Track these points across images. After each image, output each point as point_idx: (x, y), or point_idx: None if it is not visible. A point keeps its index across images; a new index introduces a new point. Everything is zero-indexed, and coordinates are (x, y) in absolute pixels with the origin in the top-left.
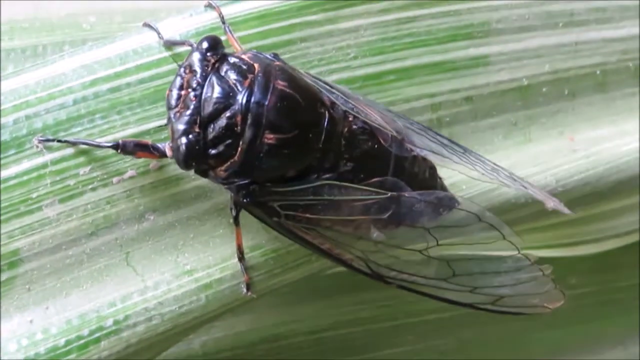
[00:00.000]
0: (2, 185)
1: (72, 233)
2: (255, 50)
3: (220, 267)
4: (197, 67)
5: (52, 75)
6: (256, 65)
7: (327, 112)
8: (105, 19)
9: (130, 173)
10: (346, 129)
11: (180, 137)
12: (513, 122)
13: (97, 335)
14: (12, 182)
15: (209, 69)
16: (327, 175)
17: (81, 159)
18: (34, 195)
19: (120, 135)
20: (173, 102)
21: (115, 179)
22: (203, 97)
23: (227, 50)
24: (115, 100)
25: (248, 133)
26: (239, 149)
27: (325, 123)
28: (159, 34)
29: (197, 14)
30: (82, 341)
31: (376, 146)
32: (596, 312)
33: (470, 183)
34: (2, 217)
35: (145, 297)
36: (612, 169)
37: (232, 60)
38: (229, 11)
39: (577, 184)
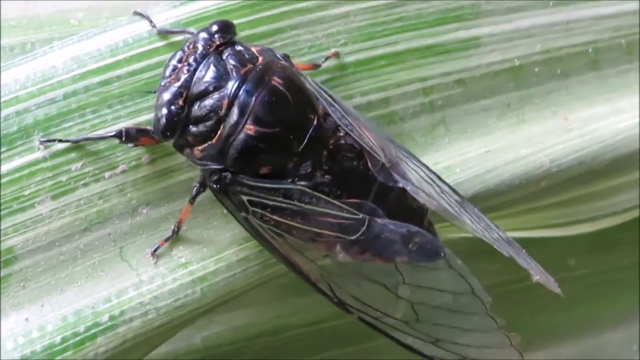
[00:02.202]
0: None
1: (65, 229)
2: (267, 47)
3: (214, 259)
4: (200, 45)
5: (42, 69)
6: (260, 58)
7: (315, 120)
8: (93, 14)
9: (122, 167)
10: (332, 142)
11: (162, 106)
12: (506, 103)
13: (93, 331)
14: (4, 180)
15: (211, 49)
16: (303, 183)
17: (73, 155)
18: (26, 192)
19: (111, 129)
20: (167, 73)
21: (107, 174)
22: (196, 74)
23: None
24: (106, 94)
25: (230, 119)
26: (219, 132)
27: (311, 130)
28: (151, 22)
29: (188, 2)
30: (78, 338)
31: (361, 167)
32: (596, 293)
33: (464, 165)
34: None
35: (141, 291)
36: (607, 147)
37: (237, 47)
38: (220, 0)
39: (572, 163)
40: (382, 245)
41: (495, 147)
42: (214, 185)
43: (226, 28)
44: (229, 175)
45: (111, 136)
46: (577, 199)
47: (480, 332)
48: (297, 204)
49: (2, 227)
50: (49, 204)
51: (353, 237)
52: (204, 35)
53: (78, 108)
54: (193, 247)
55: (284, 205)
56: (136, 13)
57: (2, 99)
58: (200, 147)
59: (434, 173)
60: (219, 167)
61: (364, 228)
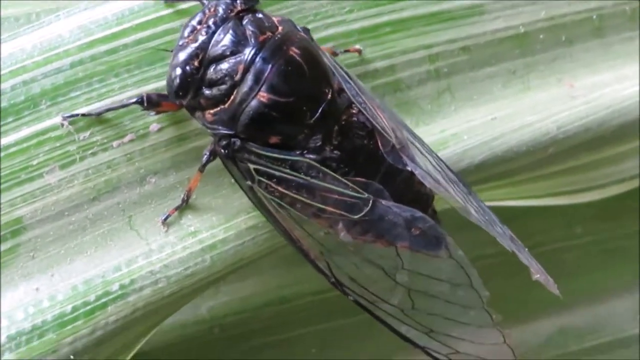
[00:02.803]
0: (2, 154)
1: (74, 199)
2: (288, 18)
3: (224, 228)
4: (221, 9)
5: (48, 38)
6: (280, 28)
7: (330, 94)
8: None
9: (129, 136)
10: (344, 118)
11: (177, 66)
12: (511, 70)
13: (103, 300)
14: (12, 150)
15: (232, 14)
16: (311, 156)
17: (81, 124)
18: (35, 162)
19: (118, 98)
20: (185, 33)
21: (115, 143)
22: (214, 37)
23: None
24: (113, 63)
25: (245, 85)
26: (232, 97)
27: (324, 103)
28: None
29: None
30: (88, 307)
31: (371, 147)
32: (602, 261)
33: (470, 132)
34: (3, 186)
35: (151, 260)
36: (612, 113)
37: (258, 15)
38: None
39: (578, 130)
40: (384, 227)
41: (502, 114)
42: (223, 151)
43: None
44: (238, 141)
45: (133, 103)
46: (584, 167)
47: (475, 326)
48: (304, 177)
49: (10, 197)
50: (58, 174)
51: (356, 217)
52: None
53: (85, 77)
54: (202, 215)
55: (290, 177)
56: None
57: (9, 69)
58: (212, 111)
59: (442, 161)
60: (229, 132)
61: (368, 208)
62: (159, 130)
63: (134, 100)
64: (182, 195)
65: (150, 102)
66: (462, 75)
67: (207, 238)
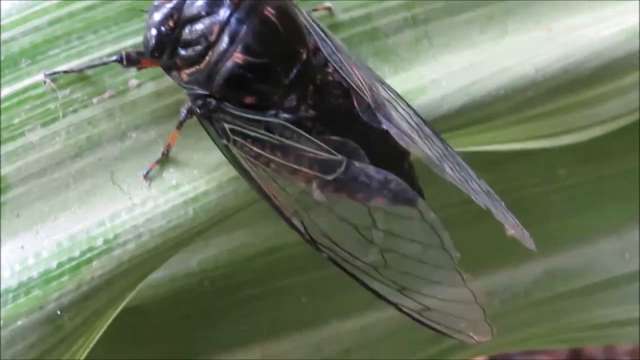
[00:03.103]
0: None
1: (56, 156)
2: None
3: (205, 180)
4: None
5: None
6: None
7: (305, 54)
8: None
9: (109, 93)
10: (320, 78)
11: (152, 26)
12: (489, 15)
13: (88, 255)
14: None
15: None
16: (286, 116)
17: (61, 82)
18: (16, 121)
19: (97, 54)
20: None
21: (95, 99)
22: None
23: None
24: (91, 20)
25: (220, 46)
26: (207, 58)
27: (299, 64)
28: None
29: None
30: (73, 262)
31: (346, 106)
32: (586, 203)
33: (450, 78)
34: None
35: (134, 214)
36: (591, 55)
37: None
38: None
39: (557, 72)
40: (358, 188)
41: (480, 59)
42: (198, 111)
43: None
44: (213, 101)
45: (113, 61)
46: (564, 109)
47: (447, 285)
48: (278, 138)
49: None
50: (39, 132)
51: (330, 177)
52: None
53: (63, 35)
54: (183, 169)
55: (265, 138)
56: None
57: None
58: (187, 71)
59: (420, 117)
60: (205, 92)
61: (342, 169)
62: (138, 85)
63: (114, 58)
64: (162, 149)
65: (130, 60)
66: (439, 21)
67: (189, 191)
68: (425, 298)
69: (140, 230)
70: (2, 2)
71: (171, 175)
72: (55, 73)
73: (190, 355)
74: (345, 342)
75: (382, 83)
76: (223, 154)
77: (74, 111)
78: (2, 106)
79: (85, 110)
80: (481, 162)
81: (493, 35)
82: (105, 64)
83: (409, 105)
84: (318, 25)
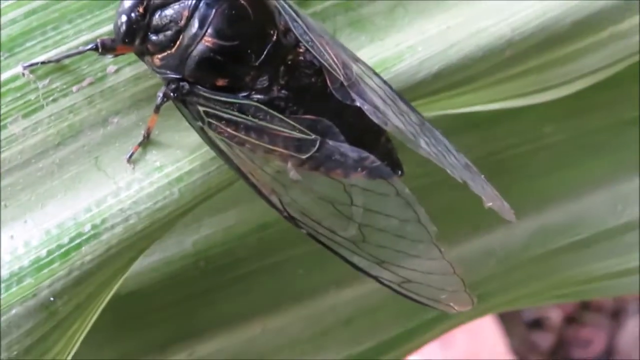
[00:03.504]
0: None
1: (39, 146)
2: None
3: (189, 160)
4: None
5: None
6: None
7: (275, 36)
8: None
9: (88, 80)
10: (291, 58)
11: (122, 13)
12: None
13: (77, 241)
14: None
15: None
16: (258, 97)
17: (39, 72)
18: None
19: (73, 44)
20: None
21: (75, 88)
22: None
23: None
24: (65, 9)
25: (190, 30)
26: (178, 43)
27: (269, 45)
28: None
29: None
30: (63, 249)
31: (319, 85)
32: (575, 157)
33: (425, 44)
34: None
35: (120, 198)
36: (567, 11)
37: None
38: None
39: (534, 30)
40: (333, 165)
41: (456, 22)
42: (172, 94)
43: None
44: (186, 85)
45: (89, 49)
46: (544, 66)
47: (425, 259)
48: (251, 119)
49: None
50: (21, 123)
51: (304, 157)
52: None
53: (39, 26)
54: (166, 150)
55: (238, 119)
56: None
57: None
58: (159, 56)
59: (395, 92)
60: (177, 76)
61: (315, 148)
62: (116, 71)
63: (90, 46)
64: (143, 133)
65: (105, 48)
66: None
67: (173, 171)
68: (404, 270)
69: (127, 214)
70: None
71: (154, 157)
72: (33, 64)
73: (192, 334)
74: (346, 311)
75: (357, 60)
76: (199, 136)
77: (54, 100)
78: None
79: (65, 99)
80: (464, 125)
81: None
82: (81, 52)
83: (385, 82)
84: (290, 6)
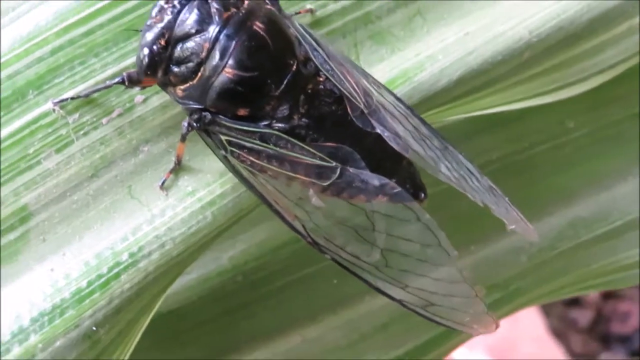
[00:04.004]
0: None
1: (73, 179)
2: None
3: (219, 183)
4: None
5: (26, 30)
6: (246, 3)
7: (295, 66)
8: None
9: (117, 111)
10: (311, 87)
11: (144, 46)
12: None
13: (115, 270)
14: (7, 143)
15: None
16: (279, 125)
17: (69, 107)
18: (31, 150)
19: (101, 77)
20: (153, 13)
21: (104, 120)
22: (180, 17)
23: None
24: (91, 44)
25: (211, 62)
26: (199, 74)
27: (289, 75)
28: None
29: None
30: (102, 279)
31: (339, 112)
32: (599, 149)
33: (445, 51)
34: (5, 178)
35: (155, 225)
36: (582, 9)
37: None
38: None
39: (551, 31)
40: (354, 192)
41: (474, 28)
42: (195, 124)
43: None
44: (208, 115)
45: (116, 83)
46: (563, 64)
47: (447, 282)
48: (273, 147)
49: (13, 188)
50: (55, 158)
51: (325, 184)
52: None
53: (66, 62)
54: (197, 175)
55: (260, 147)
56: None
57: None
58: (182, 87)
59: (418, 116)
60: (200, 107)
61: (336, 176)
62: (144, 101)
63: (117, 80)
64: (173, 159)
65: (131, 81)
66: None
67: (205, 195)
68: (427, 294)
69: (163, 240)
70: (3, 38)
71: (186, 183)
72: (62, 100)
73: (233, 348)
74: (381, 316)
75: (379, 87)
76: (223, 164)
77: (85, 134)
78: (15, 138)
79: (96, 132)
80: (487, 125)
81: (485, 3)
82: (109, 87)
83: (408, 107)
84: (310, 35)
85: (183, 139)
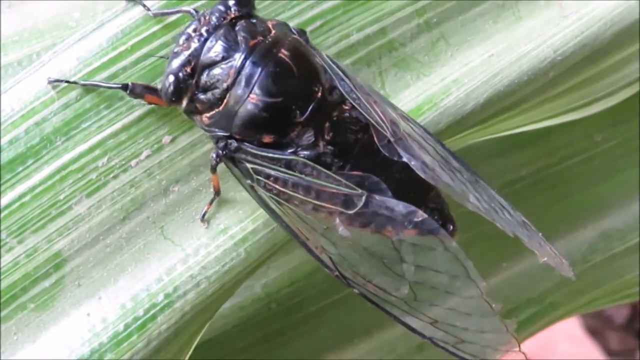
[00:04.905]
0: (29, 195)
1: (105, 223)
2: (284, 22)
3: (251, 219)
4: (214, 17)
5: (52, 77)
6: (273, 32)
7: (320, 93)
8: (89, 11)
9: (146, 153)
10: (336, 115)
11: (170, 73)
12: (500, 4)
13: (152, 312)
14: (38, 190)
15: (225, 21)
16: (305, 153)
17: (97, 152)
18: (62, 196)
19: (127, 120)
20: (180, 41)
21: (133, 162)
22: (206, 44)
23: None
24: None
25: (236, 88)
26: (225, 101)
27: (315, 102)
28: (144, 6)
29: None
30: (139, 321)
31: (366, 140)
32: (627, 162)
33: (470, 75)
34: (37, 225)
35: (189, 264)
36: (605, 24)
37: (252, 20)
38: None
39: (575, 49)
40: (380, 221)
41: (498, 49)
42: (221, 152)
43: (243, 2)
44: (234, 142)
45: (119, 87)
46: (589, 80)
47: (478, 316)
48: (299, 175)
49: (46, 235)
50: (86, 203)
51: (351, 212)
52: (220, 7)
53: (92, 106)
54: (229, 211)
55: (286, 175)
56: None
57: (20, 114)
58: (208, 114)
59: (448, 150)
60: (225, 134)
61: (362, 203)
62: (172, 141)
63: (119, 85)
64: (209, 196)
65: (134, 92)
66: (452, 20)
67: (238, 232)
68: (457, 330)
69: (197, 279)
70: (29, 86)
71: (218, 220)
72: (58, 81)
73: None
74: (416, 338)
75: (407, 119)
76: (249, 194)
77: (115, 177)
78: (46, 185)
79: (125, 174)
80: (517, 141)
81: (507, 23)
82: (111, 87)
83: (438, 141)
84: (337, 66)
85: (213, 170)
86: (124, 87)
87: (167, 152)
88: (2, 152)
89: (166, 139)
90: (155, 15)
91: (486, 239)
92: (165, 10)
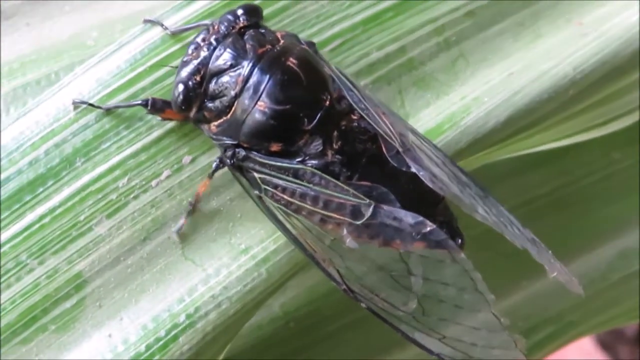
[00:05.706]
0: (49, 217)
1: (126, 243)
2: (293, 33)
3: (273, 239)
4: (223, 26)
5: (71, 99)
6: (282, 41)
7: (328, 102)
8: (106, 30)
9: (166, 173)
10: (344, 124)
11: (180, 82)
12: (519, 22)
13: (173, 333)
14: (58, 211)
15: (233, 30)
16: (313, 162)
17: (117, 172)
18: (82, 217)
19: (147, 140)
20: (189, 50)
21: (153, 182)
22: (215, 53)
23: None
24: (135, 108)
25: (244, 96)
26: (233, 108)
27: (322, 110)
28: (162, 26)
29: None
30: (161, 342)
31: (374, 150)
32: None
33: (490, 93)
34: (57, 246)
35: (210, 285)
36: (625, 42)
37: (261, 30)
38: None
39: (595, 66)
40: (387, 232)
41: (518, 67)
42: (228, 161)
43: (251, 11)
44: (242, 151)
45: (138, 104)
46: (608, 98)
47: (487, 330)
48: (306, 184)
49: (67, 256)
50: (106, 224)
51: (359, 222)
52: (228, 17)
53: (112, 127)
54: (250, 231)
55: (294, 185)
56: (146, 21)
57: (40, 135)
58: (216, 123)
59: (456, 166)
60: (233, 142)
61: (370, 213)
62: (192, 161)
63: (140, 102)
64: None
65: (154, 107)
66: (471, 39)
67: (259, 252)
68: (466, 346)
69: (219, 300)
70: (48, 108)
71: (239, 240)
72: (82, 102)
73: None
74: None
75: (416, 133)
76: (257, 205)
77: (135, 197)
78: (66, 206)
79: (145, 195)
80: (535, 160)
81: (527, 41)
82: (131, 106)
83: (446, 156)
84: (345, 77)
85: (211, 175)
86: (145, 103)
87: (188, 172)
88: (22, 174)
89: (186, 159)
90: (174, 33)
91: (504, 258)
92: (184, 27)
